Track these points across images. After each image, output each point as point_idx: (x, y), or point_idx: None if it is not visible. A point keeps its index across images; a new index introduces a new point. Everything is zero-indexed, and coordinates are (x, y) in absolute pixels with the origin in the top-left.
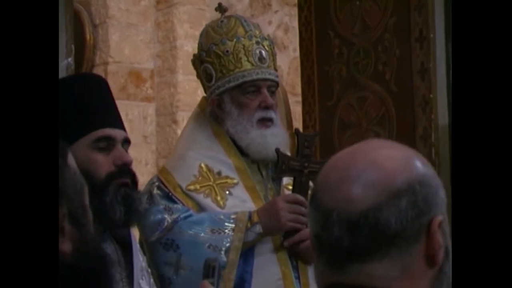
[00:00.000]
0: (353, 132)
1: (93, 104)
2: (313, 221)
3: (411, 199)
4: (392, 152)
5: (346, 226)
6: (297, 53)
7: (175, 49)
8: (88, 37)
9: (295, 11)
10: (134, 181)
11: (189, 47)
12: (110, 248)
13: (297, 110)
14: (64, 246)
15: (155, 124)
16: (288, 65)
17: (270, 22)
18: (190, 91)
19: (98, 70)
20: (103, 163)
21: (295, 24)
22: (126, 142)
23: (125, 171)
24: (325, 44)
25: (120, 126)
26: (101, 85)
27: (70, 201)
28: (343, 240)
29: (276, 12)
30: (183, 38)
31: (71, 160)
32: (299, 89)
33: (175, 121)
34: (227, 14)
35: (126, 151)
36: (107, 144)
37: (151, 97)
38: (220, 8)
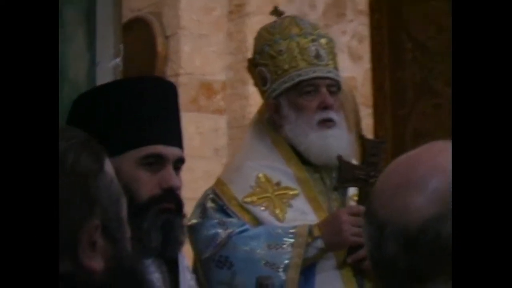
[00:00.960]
0: (427, 142)
1: (151, 114)
2: (367, 237)
3: None
4: None
5: (402, 241)
6: None
7: (247, 60)
8: (159, 48)
9: None
10: (179, 208)
11: None
12: (155, 276)
13: (369, 122)
14: (94, 263)
15: (227, 136)
16: (363, 76)
17: (344, 32)
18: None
19: None
20: (147, 183)
21: None
22: (180, 162)
23: (170, 195)
24: (398, 48)
25: (177, 143)
26: (168, 92)
27: (104, 212)
28: (399, 258)
29: (351, 21)
30: None
31: (108, 166)
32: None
33: None
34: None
35: (178, 172)
36: (156, 163)
37: (223, 109)
38: (276, 12)
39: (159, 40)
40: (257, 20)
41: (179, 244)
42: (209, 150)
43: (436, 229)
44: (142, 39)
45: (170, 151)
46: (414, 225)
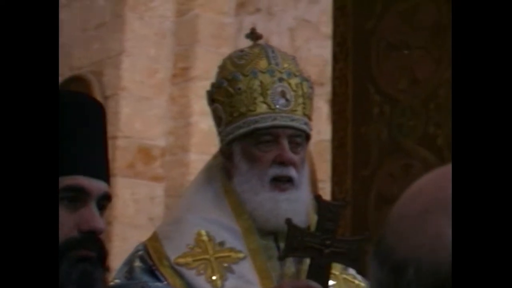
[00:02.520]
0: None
1: (71, 136)
2: (376, 284)
3: None
4: None
5: (431, 285)
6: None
7: (189, 126)
8: None
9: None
10: (101, 256)
11: (204, 124)
12: None
13: (326, 183)
14: None
15: (163, 205)
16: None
17: None
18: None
19: None
20: (63, 224)
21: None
22: (105, 199)
23: (90, 240)
24: (363, 101)
25: (102, 175)
26: (93, 112)
27: None
28: None
29: None
30: (198, 115)
31: None
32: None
33: None
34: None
35: (103, 212)
36: (76, 199)
37: (161, 177)
38: (252, 35)
39: None
40: (202, 85)
41: None
42: (144, 218)
43: None
44: None
45: (94, 185)
46: (448, 262)
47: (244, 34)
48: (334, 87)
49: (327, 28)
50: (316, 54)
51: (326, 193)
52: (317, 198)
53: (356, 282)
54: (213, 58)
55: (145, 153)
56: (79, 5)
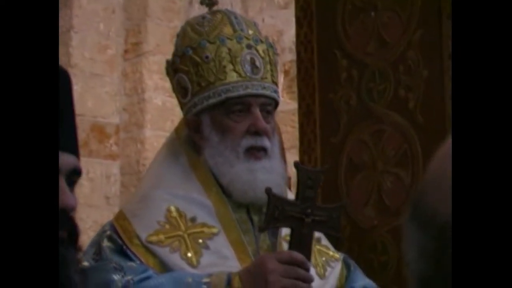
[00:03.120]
0: (365, 175)
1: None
2: (417, 249)
3: None
4: None
5: None
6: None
7: (143, 102)
8: None
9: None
10: (73, 236)
11: (158, 100)
12: None
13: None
14: None
15: (119, 184)
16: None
17: None
18: (159, 148)
19: None
20: None
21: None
22: (75, 174)
23: (61, 219)
24: (330, 66)
25: (71, 149)
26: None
27: None
28: None
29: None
30: (152, 90)
31: None
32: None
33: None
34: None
35: (73, 188)
36: None
37: (116, 155)
38: (208, 1)
39: None
40: (155, 60)
41: (72, 284)
42: (100, 198)
43: None
44: None
45: (63, 158)
46: None
47: (196, 6)
48: (298, 53)
49: None
50: (269, 23)
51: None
52: (297, 164)
53: (331, 253)
54: (164, 32)
55: (99, 131)
56: None
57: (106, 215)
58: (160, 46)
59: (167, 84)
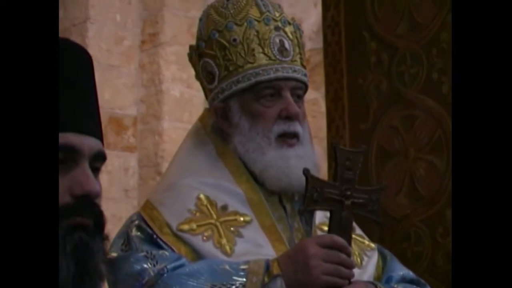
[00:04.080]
0: (397, 162)
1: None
2: None
3: None
4: None
5: None
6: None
7: (161, 93)
8: None
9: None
10: (99, 224)
11: (176, 91)
12: None
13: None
14: None
15: (137, 176)
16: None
17: None
18: (177, 139)
19: None
20: None
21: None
22: (99, 158)
23: (86, 206)
24: (358, 50)
25: (94, 132)
26: (81, 61)
27: None
28: None
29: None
30: (170, 81)
31: None
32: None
33: (159, 173)
34: None
35: (97, 174)
36: (67, 159)
37: (133, 147)
38: None
39: None
40: (172, 51)
41: (99, 278)
42: (118, 191)
43: None
44: None
45: (85, 142)
46: None
47: None
48: (325, 36)
49: None
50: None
51: (323, 149)
52: (334, 146)
53: (366, 242)
54: (182, 22)
55: (116, 123)
56: None
57: (124, 208)
58: (177, 36)
59: (185, 75)
